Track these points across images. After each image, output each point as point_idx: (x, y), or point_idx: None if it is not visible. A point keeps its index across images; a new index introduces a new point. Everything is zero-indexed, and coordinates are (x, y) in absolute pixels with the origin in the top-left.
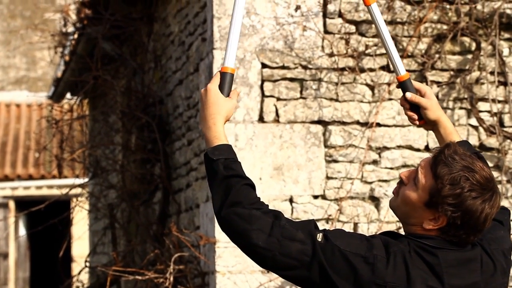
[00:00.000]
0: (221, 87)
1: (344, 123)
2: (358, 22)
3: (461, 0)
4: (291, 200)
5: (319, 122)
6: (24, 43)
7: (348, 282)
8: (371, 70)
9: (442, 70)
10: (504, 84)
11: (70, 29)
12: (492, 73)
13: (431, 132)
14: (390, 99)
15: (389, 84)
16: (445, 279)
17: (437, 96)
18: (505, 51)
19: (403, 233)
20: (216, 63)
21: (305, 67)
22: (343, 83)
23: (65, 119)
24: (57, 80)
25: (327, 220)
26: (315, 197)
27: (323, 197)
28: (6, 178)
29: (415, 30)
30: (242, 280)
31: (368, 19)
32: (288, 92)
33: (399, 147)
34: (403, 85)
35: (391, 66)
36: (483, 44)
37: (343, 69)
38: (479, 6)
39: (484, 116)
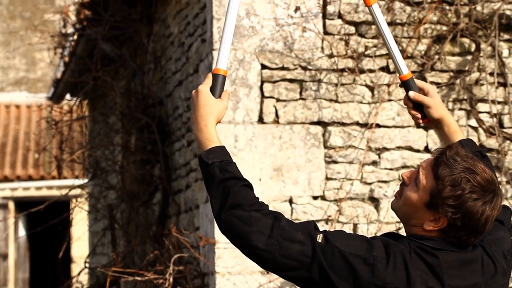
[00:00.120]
0: (212, 89)
1: (343, 124)
2: (358, 23)
3: (461, 1)
4: (290, 201)
5: (319, 123)
6: (24, 44)
7: (348, 283)
8: (371, 71)
9: (442, 71)
10: (504, 85)
11: (70, 30)
12: (491, 74)
13: (430, 133)
14: (390, 100)
15: (388, 85)
16: (445, 280)
17: None
18: (505, 52)
19: (404, 234)
20: (215, 64)
21: (304, 68)
22: (342, 84)
23: (65, 120)
24: (56, 81)
25: (327, 221)
26: (315, 198)
27: (323, 198)
28: (6, 179)
29: (414, 31)
30: (241, 281)
31: (368, 20)
32: (288, 93)
33: (398, 148)
34: (406, 84)
35: (392, 66)
36: (482, 45)
37: (342, 70)
38: (478, 7)
39: (484, 117)
